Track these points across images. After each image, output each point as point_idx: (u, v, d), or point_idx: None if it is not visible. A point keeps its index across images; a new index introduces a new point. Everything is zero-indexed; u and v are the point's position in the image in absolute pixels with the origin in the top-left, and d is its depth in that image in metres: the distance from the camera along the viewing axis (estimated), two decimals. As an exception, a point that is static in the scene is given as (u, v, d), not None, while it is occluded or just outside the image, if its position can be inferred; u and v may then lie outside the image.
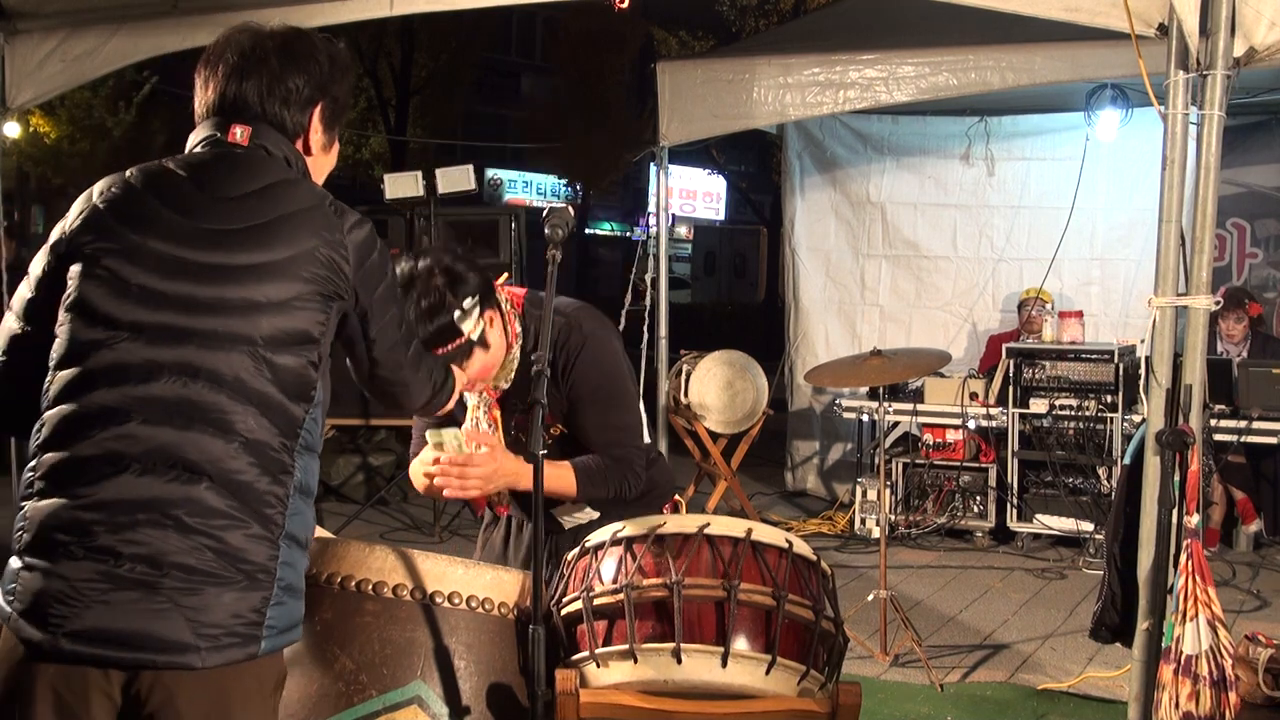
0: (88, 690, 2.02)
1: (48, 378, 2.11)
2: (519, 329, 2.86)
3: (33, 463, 2.09)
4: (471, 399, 2.90)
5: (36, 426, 2.10)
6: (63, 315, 2.11)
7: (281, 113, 2.27)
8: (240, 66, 2.26)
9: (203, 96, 2.29)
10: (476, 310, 2.72)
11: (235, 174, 2.20)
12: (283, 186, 2.21)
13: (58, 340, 2.11)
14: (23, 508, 2.07)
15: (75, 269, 2.12)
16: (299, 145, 2.31)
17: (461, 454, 2.67)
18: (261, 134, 2.25)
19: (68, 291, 2.12)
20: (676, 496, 3.07)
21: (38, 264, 2.19)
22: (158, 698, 2.03)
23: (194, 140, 2.28)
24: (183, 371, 2.07)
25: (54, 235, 2.19)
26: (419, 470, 2.80)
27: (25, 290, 2.21)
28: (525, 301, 2.90)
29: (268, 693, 2.14)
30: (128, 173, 2.22)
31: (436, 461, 2.69)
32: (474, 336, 2.72)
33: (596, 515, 2.89)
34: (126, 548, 2.00)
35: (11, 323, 2.22)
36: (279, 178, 2.22)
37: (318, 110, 2.32)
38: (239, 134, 2.24)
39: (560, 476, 2.76)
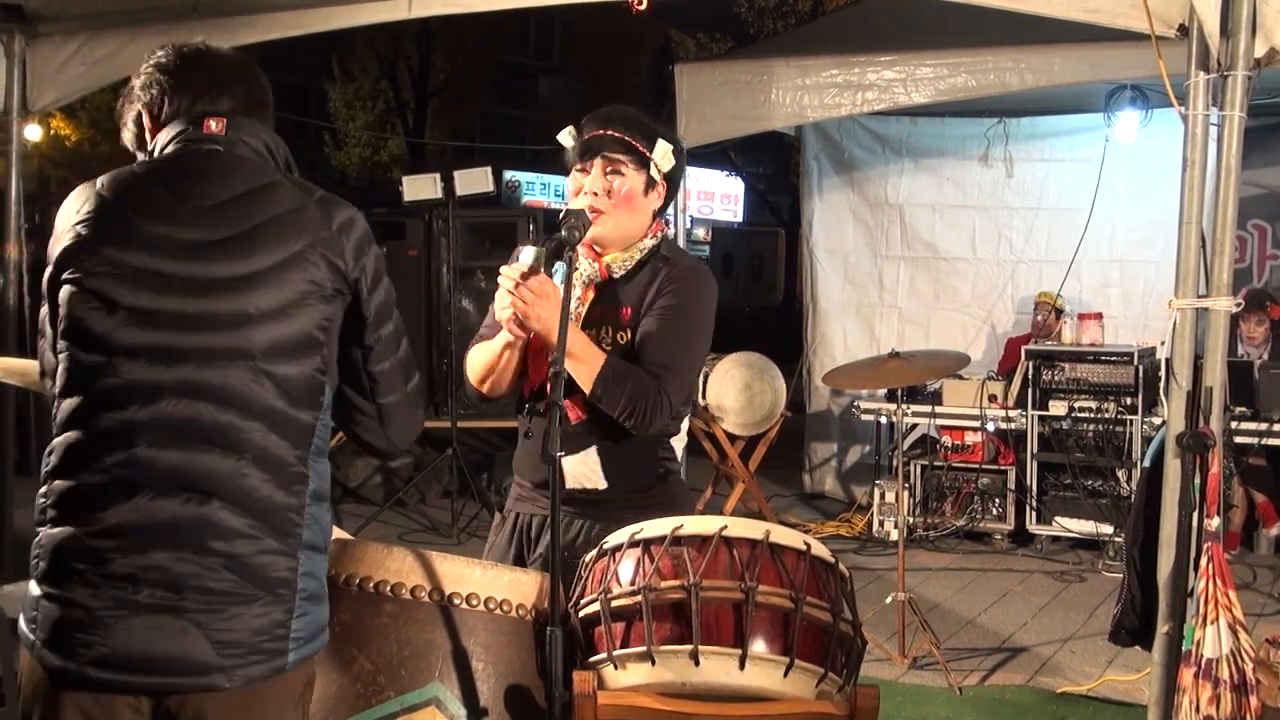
0: (116, 715, 2.01)
1: (55, 405, 2.08)
2: (659, 237, 2.91)
3: (44, 489, 2.06)
4: (585, 264, 2.86)
5: (46, 453, 2.07)
6: (61, 343, 2.08)
7: (263, 99, 2.27)
8: (218, 68, 2.25)
9: (172, 106, 2.23)
10: (670, 160, 2.86)
11: (211, 178, 2.14)
12: (262, 191, 2.14)
13: (59, 368, 2.08)
14: (38, 534, 2.05)
15: (64, 293, 2.07)
16: None
17: (528, 267, 2.68)
18: (237, 125, 2.19)
19: (60, 317, 2.08)
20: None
21: (47, 300, 2.15)
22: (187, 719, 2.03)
23: (165, 138, 2.20)
24: (184, 392, 2.03)
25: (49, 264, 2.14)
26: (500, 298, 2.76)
27: (49, 328, 2.17)
28: (665, 237, 2.97)
29: (298, 698, 2.14)
30: (97, 184, 2.15)
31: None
32: (662, 167, 2.85)
33: (603, 486, 2.82)
34: (144, 573, 1.99)
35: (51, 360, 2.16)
36: (257, 182, 2.15)
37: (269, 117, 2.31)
38: (214, 125, 2.18)
39: (590, 351, 2.71)
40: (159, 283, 2.05)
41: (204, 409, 2.03)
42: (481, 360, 2.90)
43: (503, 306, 2.71)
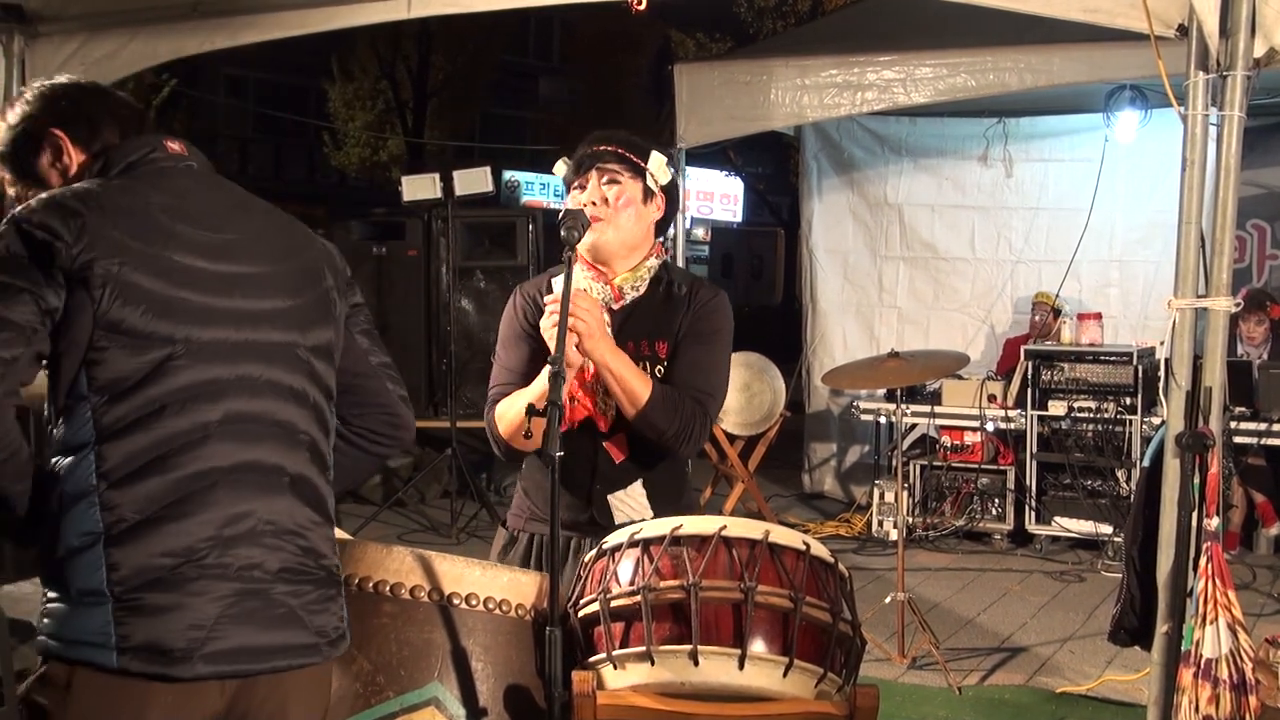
0: (204, 704, 2.01)
1: (87, 408, 1.97)
2: (662, 255, 2.94)
3: (93, 499, 1.96)
4: (596, 288, 2.85)
5: (79, 459, 1.97)
6: (96, 337, 1.95)
7: None
8: (125, 101, 2.25)
9: (109, 132, 2.16)
10: (666, 172, 2.87)
11: (207, 189, 2.18)
12: (250, 201, 2.24)
13: (98, 366, 1.96)
14: (93, 545, 1.95)
15: (98, 290, 1.95)
16: None
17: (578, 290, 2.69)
18: (189, 147, 2.22)
19: (92, 313, 1.95)
20: None
21: (20, 289, 1.93)
22: (274, 700, 2.09)
23: (129, 155, 2.13)
24: (248, 386, 2.08)
25: (48, 257, 1.94)
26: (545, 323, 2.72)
27: (16, 315, 1.93)
28: (667, 261, 3.00)
29: None
30: (92, 188, 2.05)
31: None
32: (659, 179, 2.86)
33: (650, 516, 2.82)
34: (237, 560, 2.02)
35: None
36: (241, 194, 2.25)
37: None
38: (176, 146, 2.19)
39: (639, 378, 2.73)
40: (206, 279, 2.07)
41: (269, 404, 2.10)
42: (520, 408, 2.67)
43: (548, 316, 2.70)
